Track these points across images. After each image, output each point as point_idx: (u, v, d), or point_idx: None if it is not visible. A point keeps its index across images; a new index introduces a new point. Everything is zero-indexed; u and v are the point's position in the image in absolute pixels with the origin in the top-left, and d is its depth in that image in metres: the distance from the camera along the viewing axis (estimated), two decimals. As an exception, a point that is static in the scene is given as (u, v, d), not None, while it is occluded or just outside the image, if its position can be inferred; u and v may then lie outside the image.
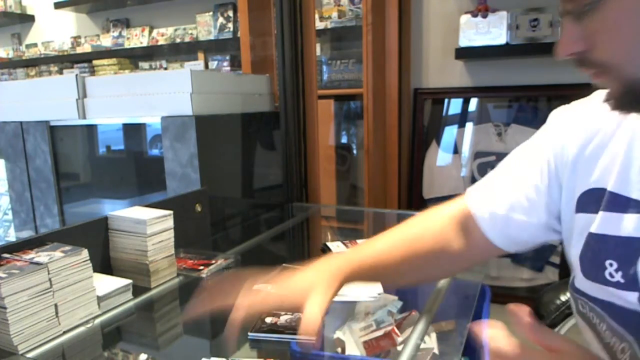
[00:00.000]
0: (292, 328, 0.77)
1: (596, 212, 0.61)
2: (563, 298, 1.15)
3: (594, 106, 0.67)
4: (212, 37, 3.13)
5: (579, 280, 0.65)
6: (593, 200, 0.62)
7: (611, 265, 0.58)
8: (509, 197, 0.73)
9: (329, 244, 1.22)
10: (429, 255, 0.77)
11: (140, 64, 3.48)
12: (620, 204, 0.58)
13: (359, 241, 1.23)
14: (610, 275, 0.58)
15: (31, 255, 0.80)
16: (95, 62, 3.52)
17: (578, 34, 0.51)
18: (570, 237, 0.67)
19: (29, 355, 0.74)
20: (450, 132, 2.32)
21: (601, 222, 0.60)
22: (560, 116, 0.73)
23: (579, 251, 0.63)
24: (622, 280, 0.57)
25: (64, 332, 0.80)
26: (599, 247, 0.60)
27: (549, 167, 0.69)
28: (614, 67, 0.51)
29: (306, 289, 0.66)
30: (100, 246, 1.00)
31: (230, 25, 3.07)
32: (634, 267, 0.56)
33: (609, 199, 0.60)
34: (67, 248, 0.83)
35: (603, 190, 0.61)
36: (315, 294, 0.65)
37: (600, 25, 0.50)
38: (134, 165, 1.68)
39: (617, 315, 0.59)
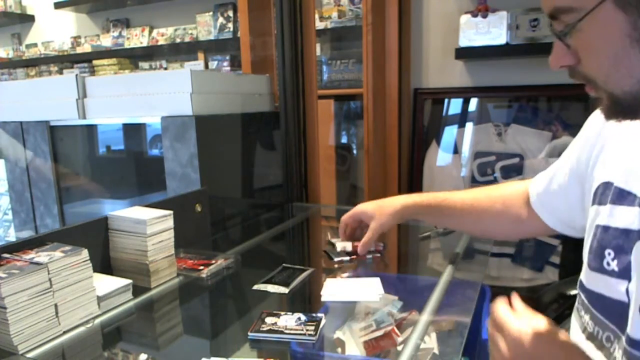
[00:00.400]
0: (291, 328, 0.78)
1: (604, 204, 0.66)
2: (563, 298, 1.15)
3: None
4: (212, 37, 3.12)
5: (584, 273, 0.69)
6: (604, 193, 0.67)
7: (609, 254, 0.63)
8: (553, 180, 0.86)
9: (334, 240, 1.22)
10: (494, 209, 0.95)
11: (140, 64, 3.48)
12: (623, 197, 0.63)
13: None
14: (607, 264, 0.63)
15: (31, 255, 0.80)
16: (95, 62, 3.52)
17: (564, 50, 0.58)
18: (586, 231, 0.72)
19: (29, 355, 0.74)
20: (450, 132, 2.32)
21: (607, 214, 0.65)
22: (591, 118, 0.81)
23: (589, 244, 0.68)
24: (616, 269, 0.61)
25: (64, 332, 0.80)
26: (602, 237, 0.65)
27: (578, 162, 0.78)
28: (597, 82, 0.56)
29: (373, 215, 1.07)
30: (100, 246, 1.00)
31: (230, 25, 3.07)
32: (628, 257, 0.60)
33: (615, 193, 0.64)
34: (67, 248, 0.83)
35: (611, 184, 0.66)
36: (373, 223, 1.07)
37: (580, 45, 0.56)
38: (134, 165, 1.68)
39: (602, 306, 0.64)
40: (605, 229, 0.64)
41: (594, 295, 0.65)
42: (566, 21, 0.55)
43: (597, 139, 0.74)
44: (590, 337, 0.66)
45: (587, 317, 0.67)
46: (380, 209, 1.08)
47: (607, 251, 0.63)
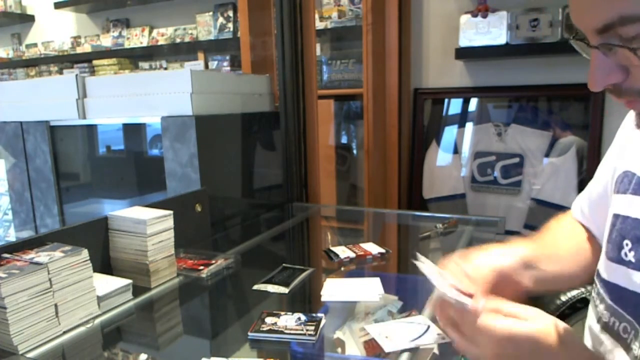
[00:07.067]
0: (291, 328, 0.78)
1: (624, 194, 0.65)
2: (564, 298, 1.15)
3: None
4: (212, 37, 3.12)
5: (601, 263, 0.69)
6: (625, 182, 0.66)
7: (627, 245, 0.61)
8: (589, 197, 0.80)
9: (333, 248, 1.21)
10: (577, 258, 0.79)
11: (140, 64, 3.48)
12: None
13: (362, 245, 1.23)
14: (625, 254, 0.62)
15: (31, 255, 0.80)
16: (95, 62, 3.52)
17: (611, 66, 0.50)
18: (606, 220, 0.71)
19: (29, 355, 0.74)
20: (450, 132, 2.32)
21: (627, 204, 0.64)
22: (626, 123, 0.77)
23: (607, 233, 0.67)
24: (633, 260, 0.60)
25: (64, 332, 0.80)
26: (621, 227, 0.64)
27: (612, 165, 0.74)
28: None
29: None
30: (100, 246, 1.00)
31: (230, 25, 3.07)
32: None
33: (636, 183, 0.63)
34: (67, 248, 0.83)
35: (634, 174, 0.65)
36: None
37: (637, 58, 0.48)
38: (134, 165, 1.68)
39: (619, 296, 0.63)
40: (625, 218, 0.63)
41: (610, 286, 0.64)
42: (626, 33, 0.47)
43: (621, 136, 0.73)
44: (605, 326, 0.66)
45: (601, 307, 0.66)
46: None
47: (625, 241, 0.62)
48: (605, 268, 0.66)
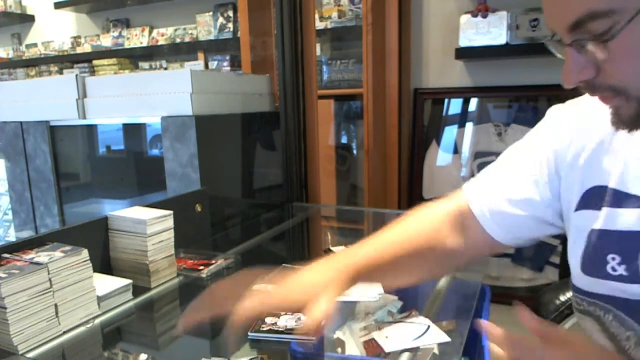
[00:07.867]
0: (291, 328, 0.78)
1: (599, 209, 0.62)
2: (563, 298, 1.15)
3: (593, 106, 0.66)
4: (212, 37, 3.13)
5: (576, 277, 0.66)
6: (596, 197, 0.63)
7: (613, 259, 0.59)
8: (508, 192, 0.72)
9: (333, 248, 1.21)
10: (419, 255, 0.75)
11: (140, 64, 3.48)
12: (621, 199, 0.60)
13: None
14: (613, 269, 0.59)
15: (31, 255, 0.80)
16: (95, 62, 3.52)
17: (583, 63, 0.52)
18: (570, 235, 0.68)
19: (29, 355, 0.74)
20: (450, 132, 2.32)
21: (604, 218, 0.61)
22: (559, 114, 0.74)
23: (582, 249, 0.64)
24: (625, 274, 0.58)
25: (64, 332, 0.80)
26: (601, 242, 0.61)
27: (548, 164, 0.70)
28: (625, 89, 0.52)
29: (310, 290, 0.66)
30: (100, 246, 1.00)
31: (230, 25, 3.07)
32: (636, 261, 0.57)
33: (611, 195, 0.61)
34: (67, 248, 0.83)
35: (605, 187, 0.62)
36: (323, 296, 0.65)
37: (608, 54, 0.50)
38: (134, 165, 1.68)
39: (623, 306, 0.60)
40: (605, 233, 0.61)
41: (607, 297, 0.62)
42: (596, 29, 0.49)
43: (570, 142, 0.68)
44: (612, 337, 0.64)
45: (609, 317, 0.63)
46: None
47: (610, 256, 0.59)
48: (589, 284, 0.63)
